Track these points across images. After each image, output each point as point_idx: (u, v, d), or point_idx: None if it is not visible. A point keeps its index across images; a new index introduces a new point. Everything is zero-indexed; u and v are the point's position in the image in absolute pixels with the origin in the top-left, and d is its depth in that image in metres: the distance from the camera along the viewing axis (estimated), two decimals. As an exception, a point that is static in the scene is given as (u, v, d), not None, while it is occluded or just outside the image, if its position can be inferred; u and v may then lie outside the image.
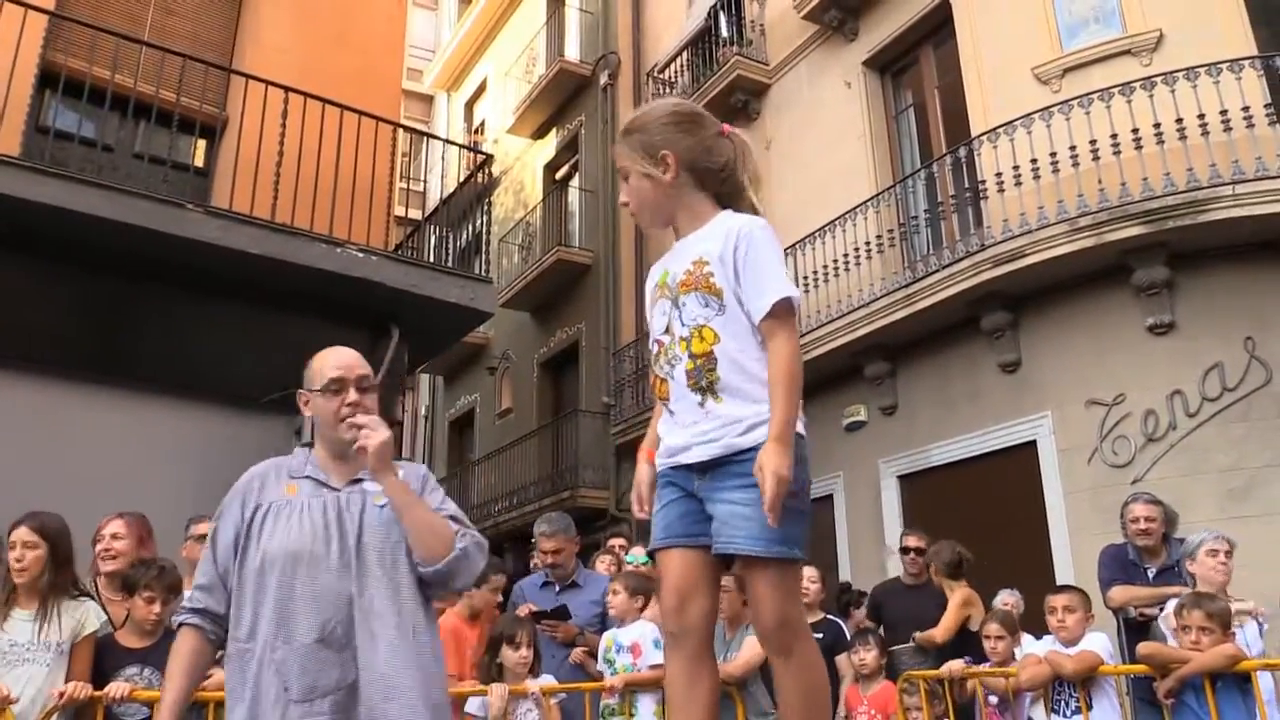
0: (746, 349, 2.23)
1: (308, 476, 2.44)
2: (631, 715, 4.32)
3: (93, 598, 3.85)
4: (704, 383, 2.24)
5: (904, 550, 6.04)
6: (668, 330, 2.34)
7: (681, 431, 2.28)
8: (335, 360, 2.46)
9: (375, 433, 2.31)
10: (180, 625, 2.39)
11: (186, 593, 4.11)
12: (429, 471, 2.62)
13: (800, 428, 2.22)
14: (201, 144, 8.11)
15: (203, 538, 4.35)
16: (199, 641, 2.36)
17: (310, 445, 2.55)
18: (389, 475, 2.34)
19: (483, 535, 2.55)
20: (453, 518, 2.43)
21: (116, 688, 3.49)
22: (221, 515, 2.43)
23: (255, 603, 2.30)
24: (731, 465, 2.18)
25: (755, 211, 2.37)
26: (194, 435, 6.82)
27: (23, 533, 3.56)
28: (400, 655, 2.28)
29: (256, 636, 2.27)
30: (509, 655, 4.23)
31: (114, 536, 4.08)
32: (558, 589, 5.08)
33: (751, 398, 2.20)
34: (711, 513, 2.21)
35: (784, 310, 2.21)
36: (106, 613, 3.84)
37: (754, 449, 2.14)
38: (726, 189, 2.39)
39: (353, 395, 2.41)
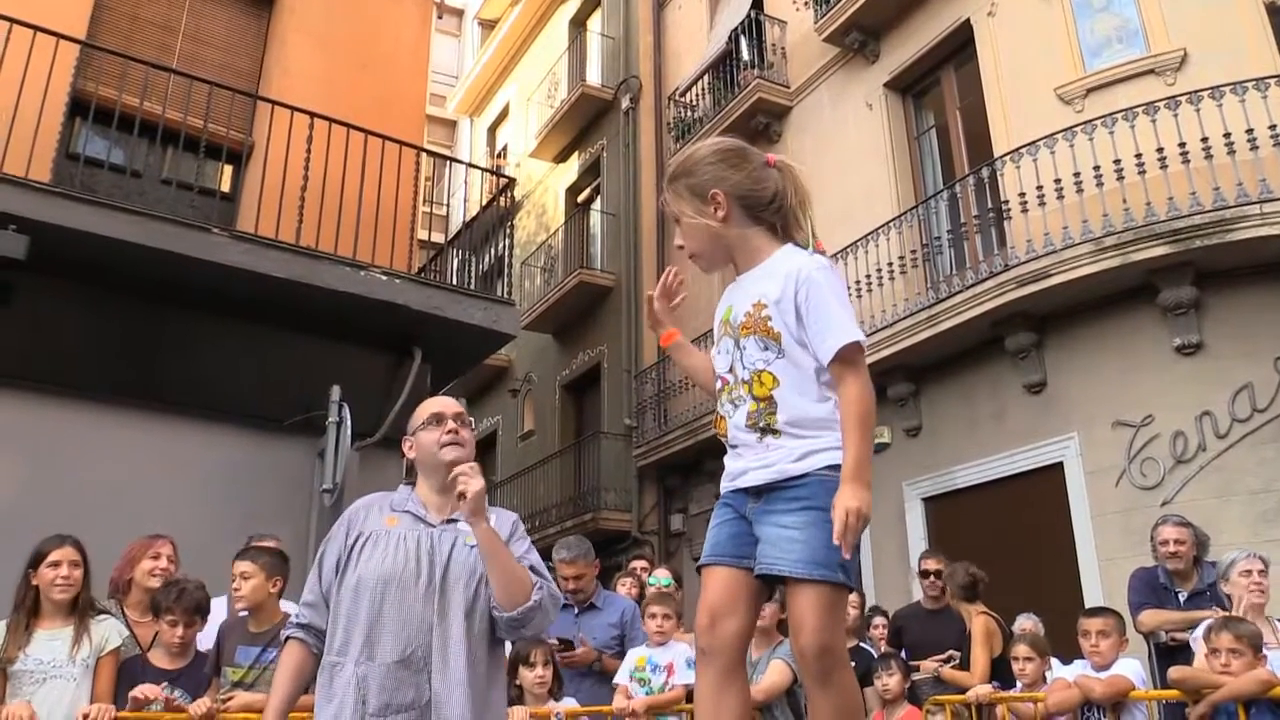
0: (806, 392, 2.26)
1: (408, 511, 2.65)
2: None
3: (115, 616, 3.89)
4: (763, 424, 2.27)
5: (923, 574, 5.96)
6: (731, 370, 2.37)
7: (741, 461, 2.32)
8: (435, 401, 2.79)
9: (473, 480, 2.49)
10: (287, 639, 2.64)
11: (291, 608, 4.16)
12: (519, 520, 2.80)
13: None
14: (228, 169, 8.20)
15: None
16: (303, 654, 2.60)
17: (413, 484, 2.78)
18: (482, 522, 2.50)
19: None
20: (533, 568, 2.61)
21: (147, 689, 3.51)
22: (329, 540, 2.68)
23: (349, 621, 2.50)
24: (784, 490, 2.20)
25: (810, 235, 2.37)
26: (218, 457, 6.85)
27: (69, 552, 3.67)
28: (467, 684, 2.44)
29: (347, 652, 2.46)
30: (525, 676, 4.23)
31: (170, 559, 4.16)
32: (576, 611, 5.05)
33: (810, 435, 2.23)
34: (759, 535, 2.23)
35: (852, 353, 2.22)
36: (131, 632, 3.88)
37: (805, 475, 2.18)
38: (780, 219, 2.39)
39: (451, 424, 2.66)
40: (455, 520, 2.63)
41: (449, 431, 2.65)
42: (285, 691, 2.57)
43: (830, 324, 2.22)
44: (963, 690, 5.01)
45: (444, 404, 2.75)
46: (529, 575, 2.56)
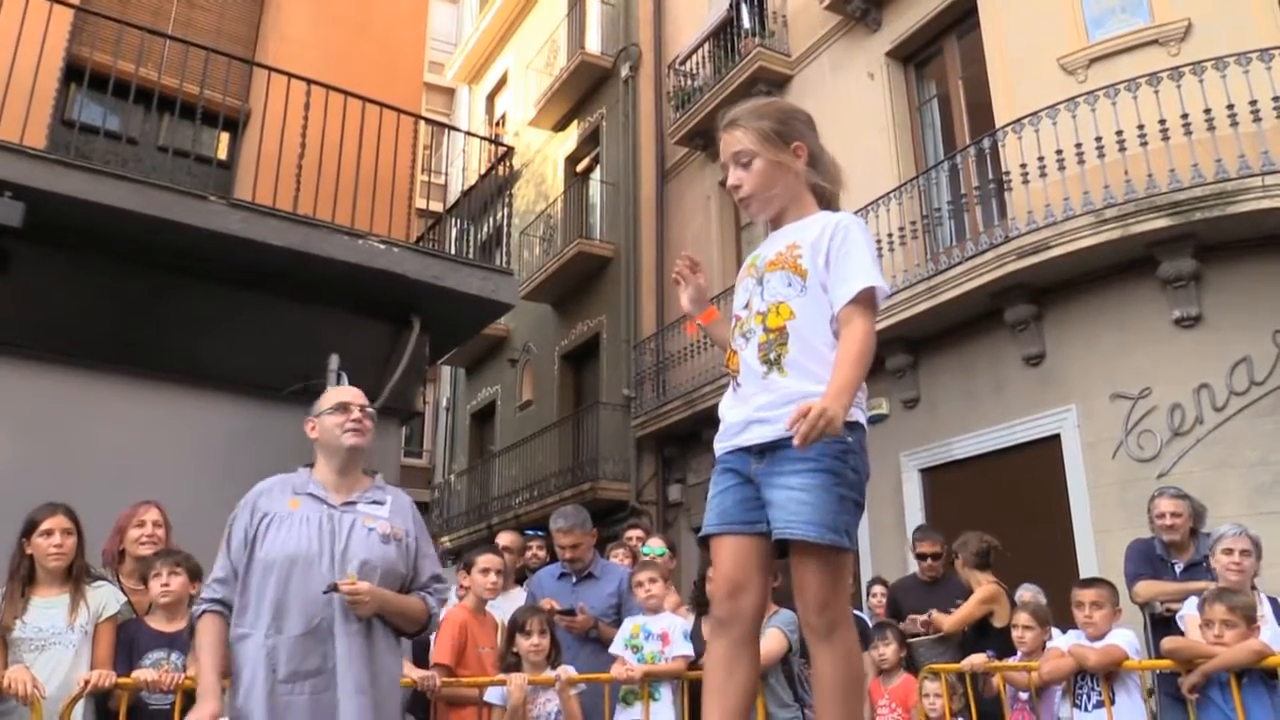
0: (819, 332, 2.30)
1: (310, 494, 2.91)
2: (653, 699, 4.33)
3: (110, 582, 3.90)
4: (772, 355, 2.30)
5: (920, 556, 5.91)
6: (747, 305, 2.42)
7: (741, 407, 2.33)
8: (342, 389, 3.09)
9: (364, 609, 2.77)
10: (204, 612, 2.84)
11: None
12: (412, 503, 3.10)
13: (861, 418, 2.28)
14: (224, 137, 8.15)
15: None
16: (222, 625, 2.82)
17: (311, 465, 3.03)
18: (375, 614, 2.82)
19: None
20: (435, 576, 3.02)
21: (144, 674, 3.54)
22: (235, 519, 2.90)
23: (258, 597, 2.76)
24: (790, 450, 2.18)
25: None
26: (215, 426, 6.85)
27: (61, 520, 3.68)
28: (366, 650, 2.76)
29: (257, 625, 2.73)
30: (523, 644, 4.30)
31: (155, 524, 4.15)
32: (574, 580, 5.08)
33: (815, 378, 2.24)
34: (767, 498, 2.24)
35: (867, 298, 2.29)
36: (129, 600, 3.89)
37: None
38: (821, 191, 2.52)
39: (356, 413, 2.97)
40: (354, 502, 2.92)
41: (353, 420, 2.94)
42: (216, 656, 2.79)
43: (856, 267, 2.30)
44: (958, 656, 5.02)
45: (350, 395, 3.04)
46: (420, 606, 2.92)
